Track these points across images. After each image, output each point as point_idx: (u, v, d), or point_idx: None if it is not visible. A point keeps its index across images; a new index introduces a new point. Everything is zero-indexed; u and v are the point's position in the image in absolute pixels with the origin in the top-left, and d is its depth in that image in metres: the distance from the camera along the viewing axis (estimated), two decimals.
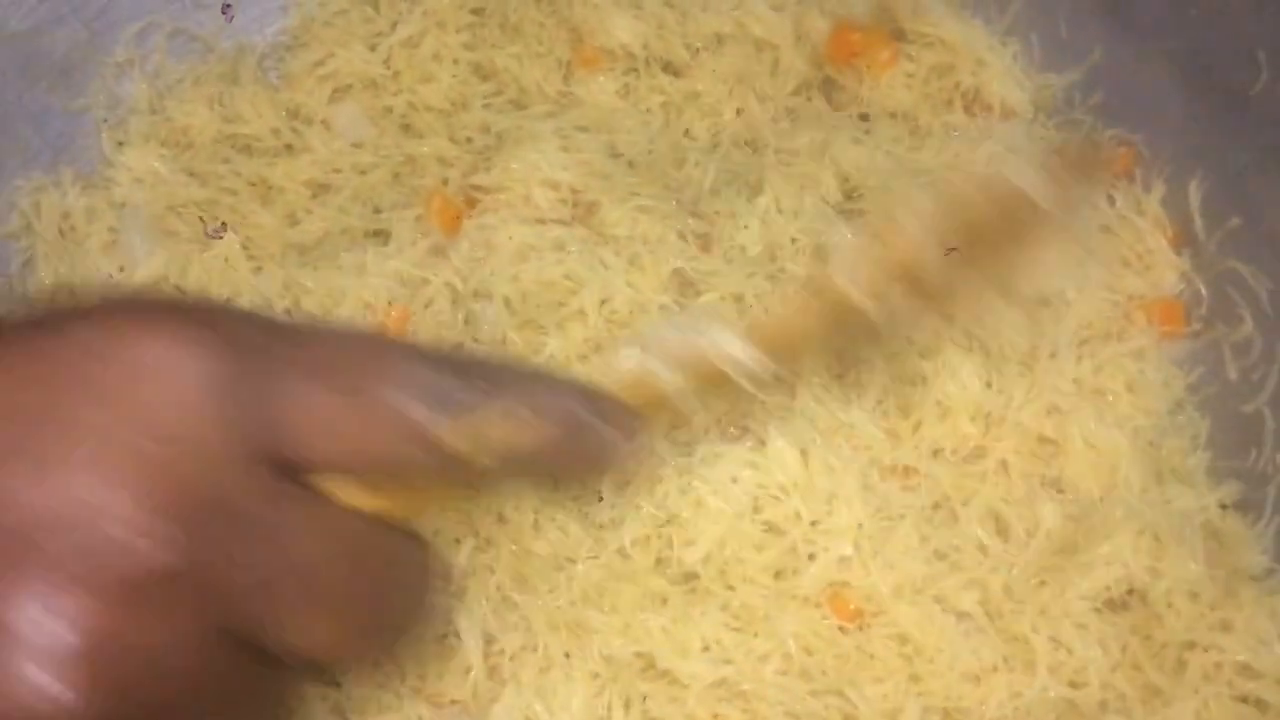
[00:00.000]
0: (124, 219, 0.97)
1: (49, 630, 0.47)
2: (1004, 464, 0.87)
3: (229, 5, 1.01)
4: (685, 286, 0.93)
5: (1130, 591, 0.82)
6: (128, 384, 0.50)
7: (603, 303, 0.91)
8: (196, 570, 0.50)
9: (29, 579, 0.47)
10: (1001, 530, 0.86)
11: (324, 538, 0.56)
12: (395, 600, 0.63)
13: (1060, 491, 0.87)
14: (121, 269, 0.94)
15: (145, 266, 0.94)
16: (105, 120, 0.98)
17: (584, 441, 0.63)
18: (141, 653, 0.49)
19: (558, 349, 0.90)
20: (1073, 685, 0.80)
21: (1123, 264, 0.95)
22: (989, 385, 0.88)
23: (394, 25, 1.05)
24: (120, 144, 0.99)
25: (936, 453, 0.88)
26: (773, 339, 0.73)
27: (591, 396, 0.65)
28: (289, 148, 1.03)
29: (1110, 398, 0.90)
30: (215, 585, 0.51)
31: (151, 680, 0.49)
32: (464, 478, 0.62)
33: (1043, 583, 0.83)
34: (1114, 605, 0.82)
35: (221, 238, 0.94)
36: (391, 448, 0.57)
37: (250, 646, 0.54)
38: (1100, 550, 0.81)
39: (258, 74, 1.05)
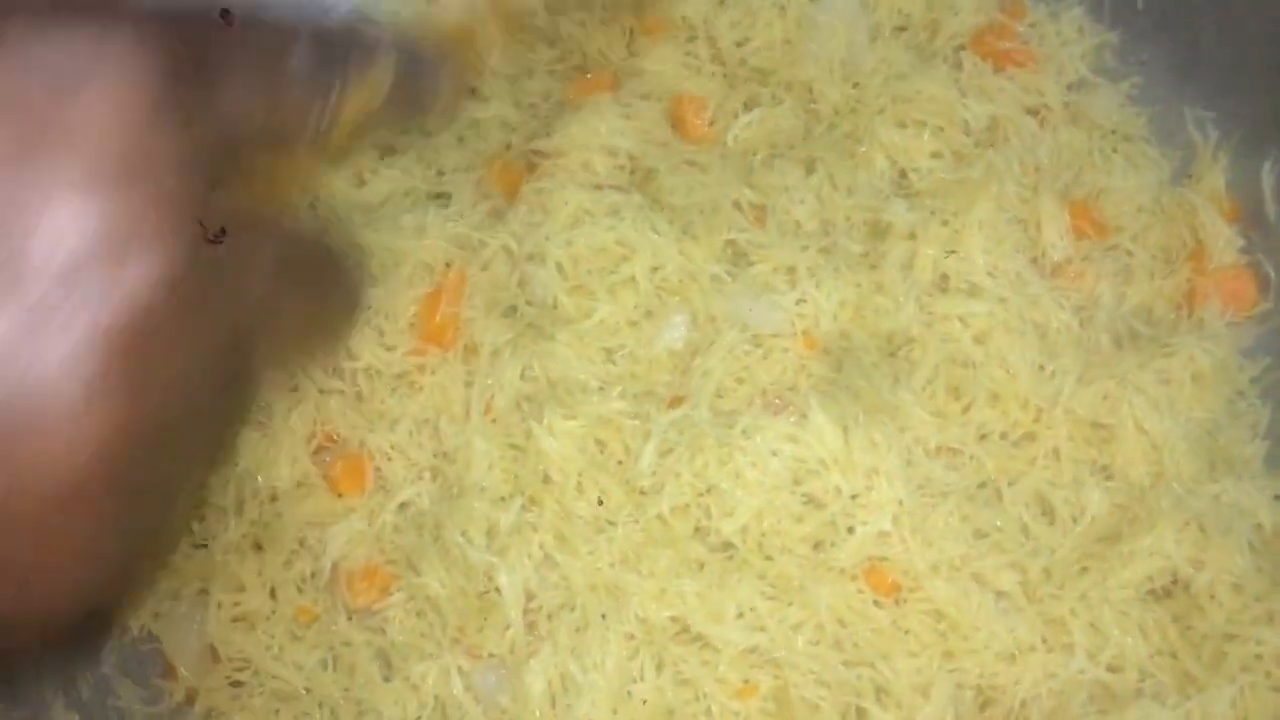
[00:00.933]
0: None
1: (87, 312, 0.46)
2: (1055, 450, 0.86)
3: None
4: (738, 257, 0.94)
5: (1174, 581, 0.81)
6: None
7: (654, 270, 0.92)
8: (201, 280, 0.51)
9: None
10: (1046, 513, 0.86)
11: (283, 250, 0.57)
12: (340, 300, 0.66)
13: (1109, 479, 0.86)
14: None
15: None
16: None
17: (416, 85, 0.65)
18: (170, 356, 0.49)
19: (608, 314, 0.91)
20: (1110, 670, 0.80)
21: (1179, 243, 0.93)
22: (1042, 369, 0.88)
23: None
24: None
25: (984, 436, 0.87)
26: None
27: (408, 42, 0.65)
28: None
29: (1171, 386, 0.88)
30: (217, 298, 0.52)
31: (169, 387, 0.49)
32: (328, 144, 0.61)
33: (1085, 569, 0.82)
34: (1156, 594, 0.81)
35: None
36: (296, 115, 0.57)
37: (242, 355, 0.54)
38: (1144, 541, 0.80)
39: None
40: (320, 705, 0.86)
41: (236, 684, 0.88)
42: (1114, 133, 0.98)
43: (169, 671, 0.89)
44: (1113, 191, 0.96)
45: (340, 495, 0.89)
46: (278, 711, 0.86)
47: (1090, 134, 0.98)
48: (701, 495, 0.83)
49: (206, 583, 0.89)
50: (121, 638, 0.88)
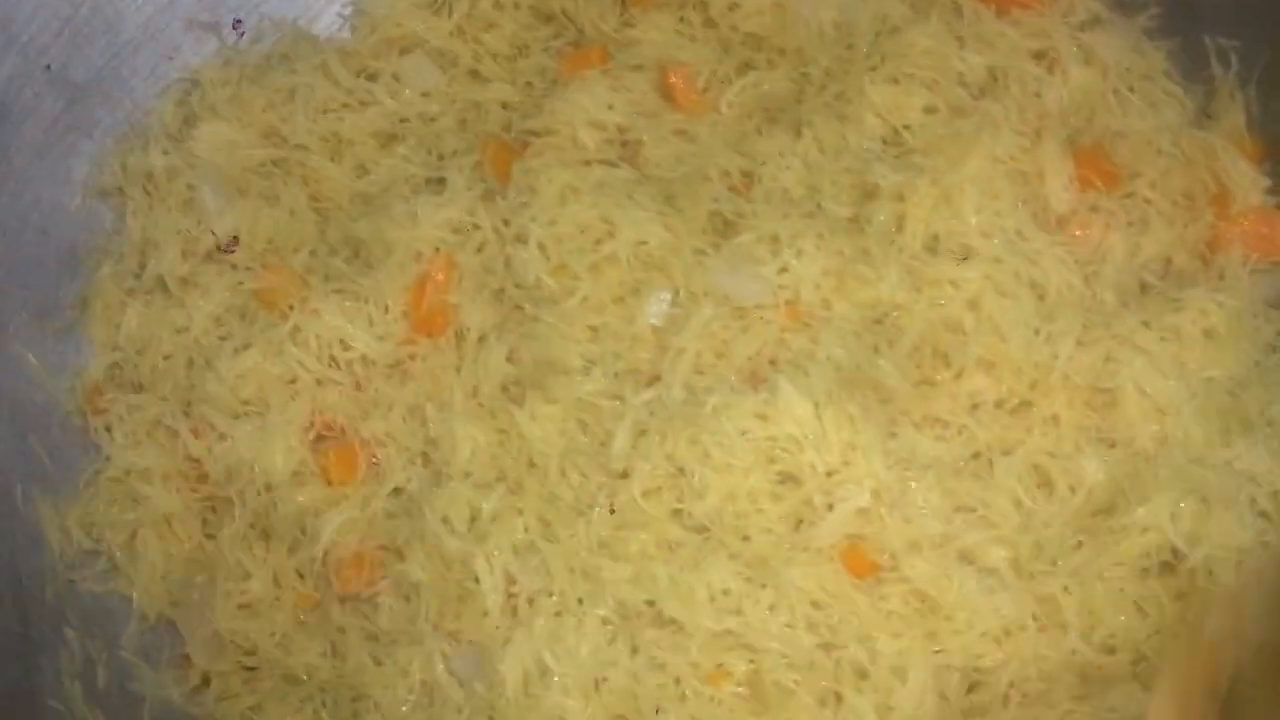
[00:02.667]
0: (200, 178, 1.02)
1: None
2: (1054, 418, 0.82)
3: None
4: (724, 227, 0.91)
5: (1174, 556, 0.76)
6: None
7: (638, 245, 0.90)
8: None
9: None
10: (1043, 485, 0.81)
11: None
12: None
13: (1111, 447, 0.81)
14: (199, 223, 1.00)
15: (219, 222, 1.00)
16: (183, 85, 1.03)
17: None
18: None
19: (590, 292, 0.90)
20: (1104, 650, 0.75)
21: (1200, 187, 0.86)
22: (1037, 332, 0.82)
23: None
24: (195, 112, 1.03)
25: (976, 406, 0.83)
26: None
27: None
28: (360, 103, 1.05)
29: (1181, 343, 0.82)
30: None
31: None
32: None
33: (1079, 544, 0.78)
34: (1154, 570, 0.76)
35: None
36: None
37: None
38: (1138, 513, 0.75)
39: (325, 43, 1.07)
40: (322, 690, 0.88)
41: (249, 669, 0.91)
42: (1129, 70, 0.91)
43: (184, 657, 0.92)
44: (1128, 135, 0.90)
45: (332, 484, 0.90)
46: (285, 696, 0.89)
47: (1104, 74, 0.91)
48: (673, 477, 0.81)
49: (214, 571, 0.92)
50: (141, 624, 0.93)
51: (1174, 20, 0.92)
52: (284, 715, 0.88)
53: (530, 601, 0.83)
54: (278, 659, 0.89)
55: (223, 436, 0.92)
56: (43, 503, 0.94)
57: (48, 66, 0.98)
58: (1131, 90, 0.91)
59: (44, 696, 0.87)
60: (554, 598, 0.82)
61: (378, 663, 0.85)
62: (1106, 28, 0.93)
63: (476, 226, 0.95)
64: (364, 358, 0.93)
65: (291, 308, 0.93)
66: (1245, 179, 0.85)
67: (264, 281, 0.95)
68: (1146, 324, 0.83)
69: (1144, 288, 0.86)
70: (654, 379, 0.87)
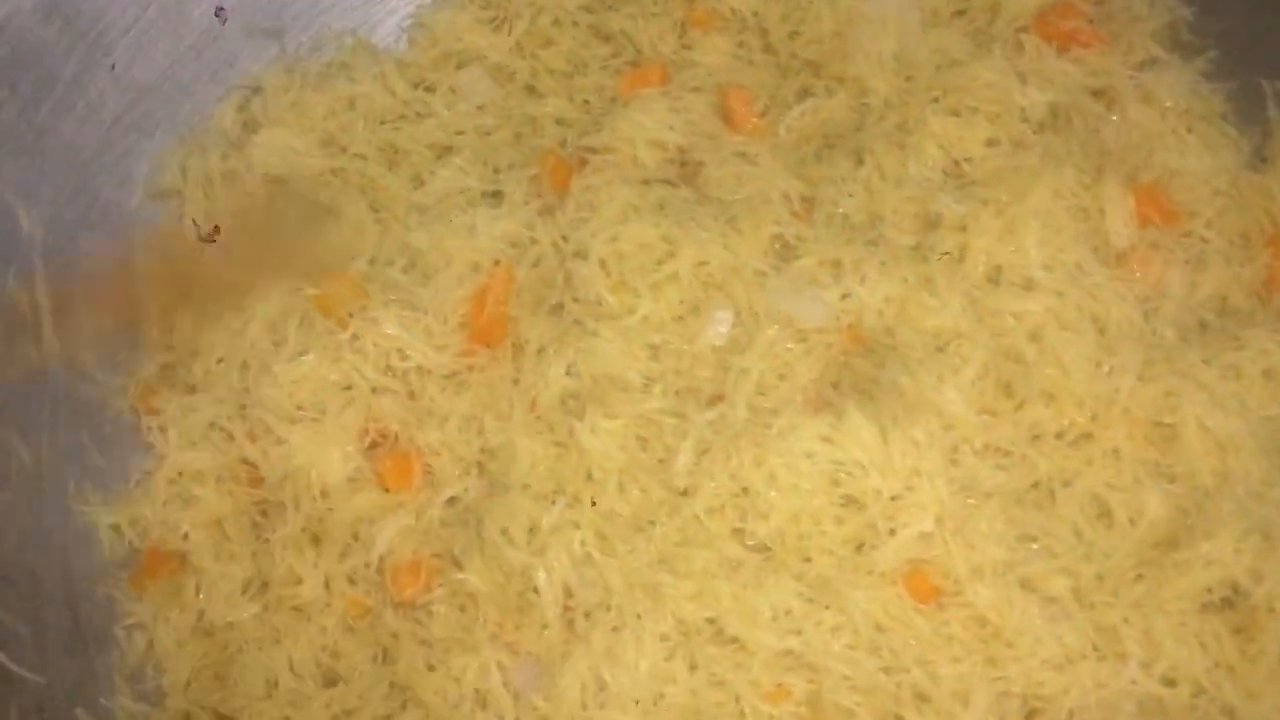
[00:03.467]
0: (262, 187, 1.02)
1: None
2: (1114, 450, 0.82)
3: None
4: (784, 250, 0.92)
5: (1235, 592, 0.77)
6: None
7: (699, 265, 0.91)
8: None
9: None
10: (1103, 516, 0.82)
11: None
12: None
13: (1171, 481, 0.82)
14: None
15: None
16: (244, 91, 1.04)
17: None
18: None
19: (651, 310, 0.90)
20: (1164, 682, 0.76)
21: (1257, 228, 0.87)
22: (1099, 366, 0.84)
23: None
24: (256, 117, 1.04)
25: (1037, 436, 0.84)
26: None
27: None
28: (417, 114, 1.06)
29: (1241, 381, 0.83)
30: None
31: None
32: None
33: (1140, 575, 0.78)
34: (1215, 605, 0.77)
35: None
36: None
37: None
38: (1202, 548, 0.76)
39: (384, 54, 1.08)
40: (371, 689, 0.88)
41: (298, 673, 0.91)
42: (1188, 112, 0.93)
43: None
44: (1185, 174, 0.91)
45: (389, 490, 0.90)
46: (329, 704, 0.89)
47: (1162, 115, 0.93)
48: (736, 497, 0.82)
49: (268, 575, 0.92)
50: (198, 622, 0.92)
51: (1231, 64, 0.94)
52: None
53: (587, 615, 0.83)
54: (326, 664, 0.89)
55: (279, 441, 0.92)
56: (94, 500, 0.94)
57: (112, 66, 0.99)
58: (1189, 130, 0.92)
59: (94, 694, 0.87)
60: (612, 612, 0.82)
61: (430, 668, 0.85)
62: (1164, 69, 0.95)
63: (534, 241, 0.96)
64: (420, 368, 0.93)
65: (350, 315, 0.93)
66: None
67: (324, 288, 0.95)
68: (1207, 361, 0.84)
69: (1203, 325, 0.87)
70: (715, 398, 0.88)
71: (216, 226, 1.00)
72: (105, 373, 0.97)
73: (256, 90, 1.05)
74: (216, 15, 1.02)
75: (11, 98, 0.93)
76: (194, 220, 1.00)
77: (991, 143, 0.92)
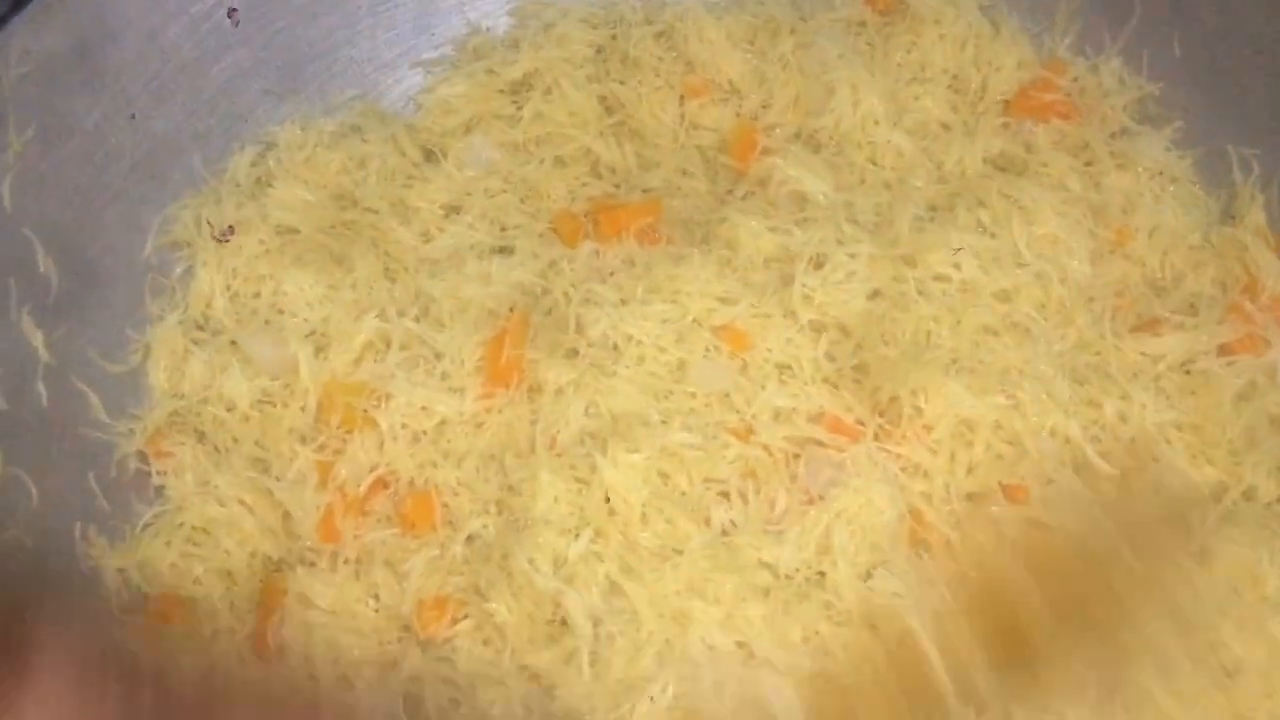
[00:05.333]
0: (274, 237, 1.04)
1: None
2: None
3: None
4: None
5: None
6: None
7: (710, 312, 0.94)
8: None
9: None
10: None
11: None
12: None
13: None
14: (271, 276, 1.01)
15: (291, 280, 1.01)
16: (258, 146, 1.06)
17: None
18: None
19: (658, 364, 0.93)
20: None
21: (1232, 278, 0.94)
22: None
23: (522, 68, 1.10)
24: (271, 171, 1.06)
25: None
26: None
27: None
28: (425, 179, 1.09)
29: None
30: None
31: None
32: None
33: None
34: None
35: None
36: None
37: None
38: None
39: (393, 118, 1.11)
40: None
41: None
42: (1161, 174, 1.01)
43: None
44: (1164, 231, 0.98)
45: (411, 530, 0.90)
46: None
47: (1137, 177, 1.01)
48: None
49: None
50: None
51: (1196, 133, 1.02)
52: None
53: (614, 641, 0.83)
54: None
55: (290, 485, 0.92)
56: (100, 544, 0.92)
57: (132, 116, 1.00)
58: (1164, 191, 1.00)
59: None
60: (641, 635, 0.82)
61: (455, 703, 0.84)
62: (1136, 138, 1.03)
63: (546, 290, 0.99)
64: (443, 420, 0.94)
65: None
66: (1273, 268, 0.94)
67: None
68: None
69: None
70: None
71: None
72: (113, 415, 0.96)
73: (270, 146, 1.07)
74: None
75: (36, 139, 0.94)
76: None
77: None
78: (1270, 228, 0.97)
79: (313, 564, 0.91)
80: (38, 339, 0.93)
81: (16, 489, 0.88)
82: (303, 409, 0.96)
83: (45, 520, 0.89)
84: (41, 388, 0.92)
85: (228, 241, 1.02)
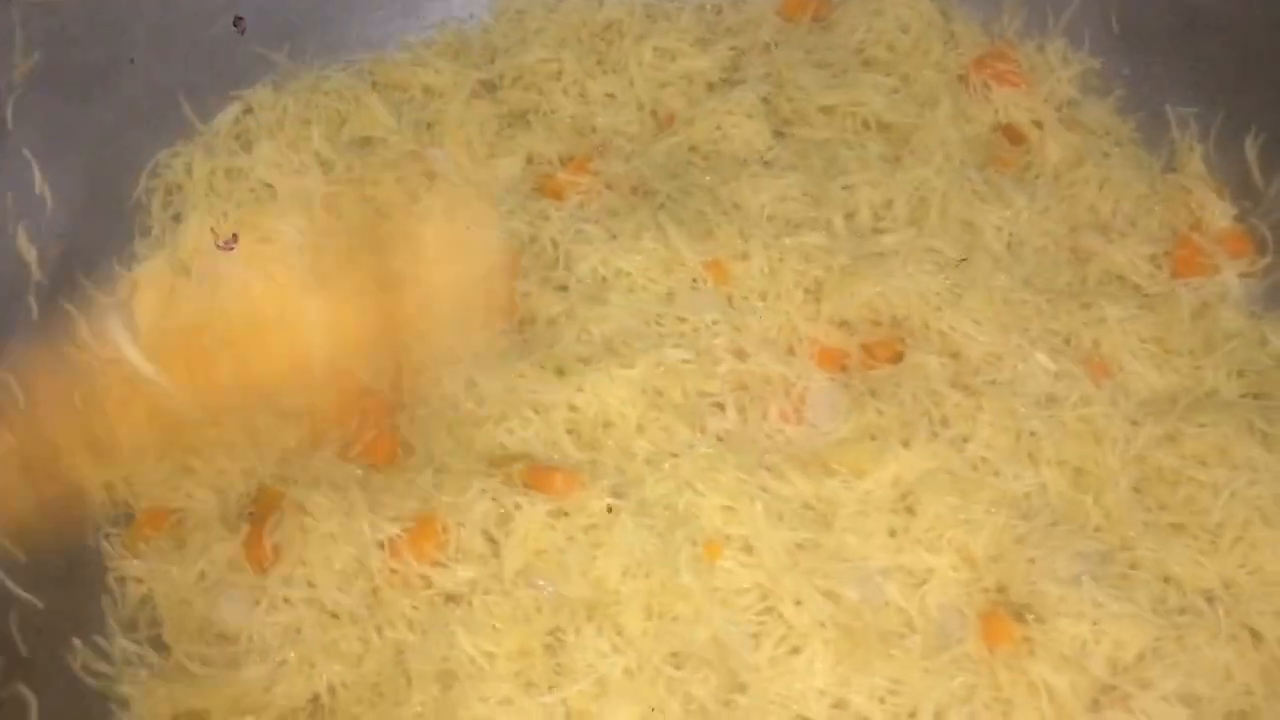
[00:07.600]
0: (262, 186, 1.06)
1: None
2: None
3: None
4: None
5: None
6: None
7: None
8: None
9: None
10: None
11: None
12: None
13: None
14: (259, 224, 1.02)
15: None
16: (241, 106, 1.09)
17: None
18: None
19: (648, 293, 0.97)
20: None
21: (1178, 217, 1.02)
22: None
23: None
24: (250, 131, 1.09)
25: None
26: None
27: None
28: (411, 152, 1.12)
29: None
30: None
31: None
32: None
33: None
34: None
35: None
36: None
37: None
38: None
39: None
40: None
41: None
42: (1107, 135, 1.09)
43: None
44: (1114, 182, 1.06)
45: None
46: None
47: (1085, 138, 1.09)
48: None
49: None
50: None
51: (1136, 100, 1.11)
52: None
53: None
54: None
55: None
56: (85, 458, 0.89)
57: (132, 60, 1.03)
58: (1117, 145, 1.08)
59: (89, 632, 0.81)
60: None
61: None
62: (1081, 105, 1.11)
63: (534, 239, 1.02)
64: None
65: None
66: (1217, 207, 1.01)
67: None
68: None
69: None
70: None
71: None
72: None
73: (249, 110, 1.09)
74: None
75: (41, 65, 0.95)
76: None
77: None
78: (1209, 175, 1.05)
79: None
80: (31, 255, 0.93)
81: (4, 392, 0.86)
82: None
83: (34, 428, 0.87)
84: (33, 301, 0.92)
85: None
